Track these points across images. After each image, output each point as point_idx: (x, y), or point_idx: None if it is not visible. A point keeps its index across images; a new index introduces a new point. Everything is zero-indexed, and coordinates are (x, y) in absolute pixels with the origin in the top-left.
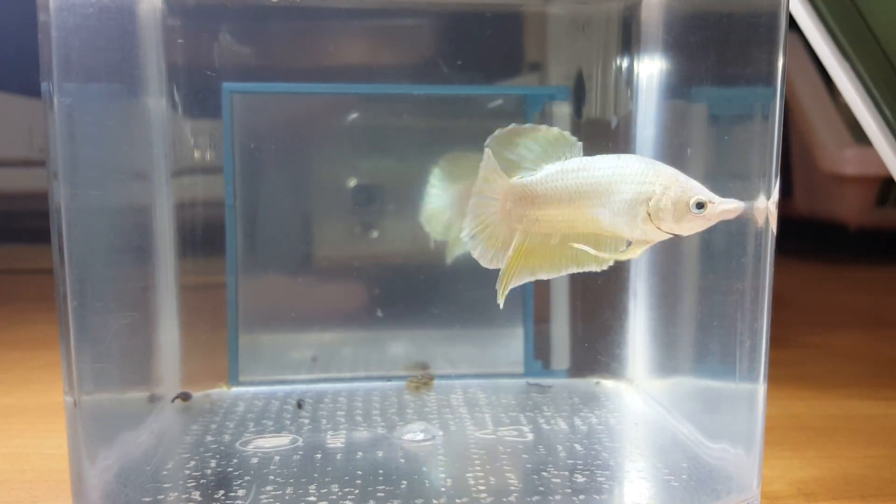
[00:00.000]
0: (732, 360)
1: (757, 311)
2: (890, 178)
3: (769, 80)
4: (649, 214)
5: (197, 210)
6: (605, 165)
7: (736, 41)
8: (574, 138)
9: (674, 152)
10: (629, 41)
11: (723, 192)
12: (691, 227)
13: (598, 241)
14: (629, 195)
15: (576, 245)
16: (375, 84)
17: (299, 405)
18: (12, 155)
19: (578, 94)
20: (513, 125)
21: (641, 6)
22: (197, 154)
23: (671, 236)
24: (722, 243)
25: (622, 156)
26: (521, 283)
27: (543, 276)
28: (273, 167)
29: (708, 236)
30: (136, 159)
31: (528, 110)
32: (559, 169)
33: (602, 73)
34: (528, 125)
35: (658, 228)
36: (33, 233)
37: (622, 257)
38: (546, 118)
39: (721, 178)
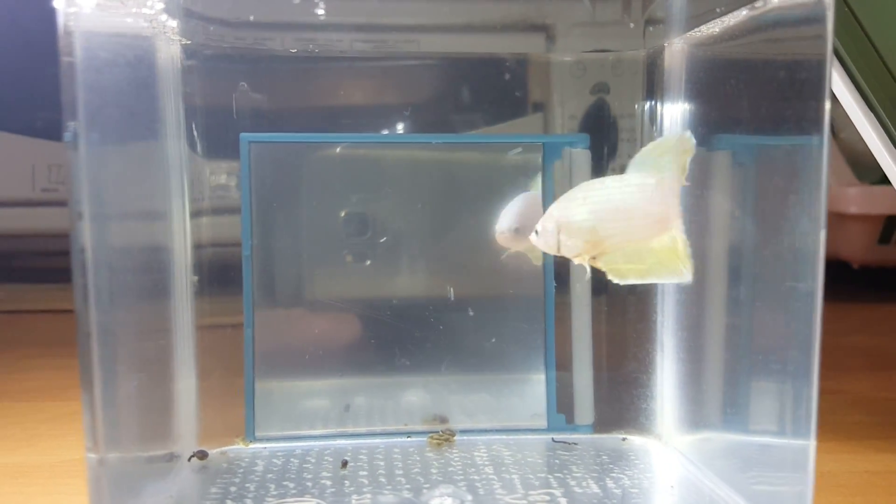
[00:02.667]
0: (777, 415)
1: (805, 359)
2: (893, 217)
3: (813, 128)
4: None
5: (215, 251)
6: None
7: (773, 88)
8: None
9: (700, 202)
10: (653, 88)
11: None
12: None
13: None
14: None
15: None
16: (392, 134)
17: (344, 465)
18: (14, 195)
19: (601, 142)
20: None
21: (664, 54)
22: (214, 196)
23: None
24: (762, 291)
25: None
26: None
27: None
28: (291, 215)
29: (742, 286)
30: (156, 200)
31: (547, 159)
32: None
33: (626, 120)
34: None
35: None
36: (35, 273)
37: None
38: (565, 166)
39: (760, 226)
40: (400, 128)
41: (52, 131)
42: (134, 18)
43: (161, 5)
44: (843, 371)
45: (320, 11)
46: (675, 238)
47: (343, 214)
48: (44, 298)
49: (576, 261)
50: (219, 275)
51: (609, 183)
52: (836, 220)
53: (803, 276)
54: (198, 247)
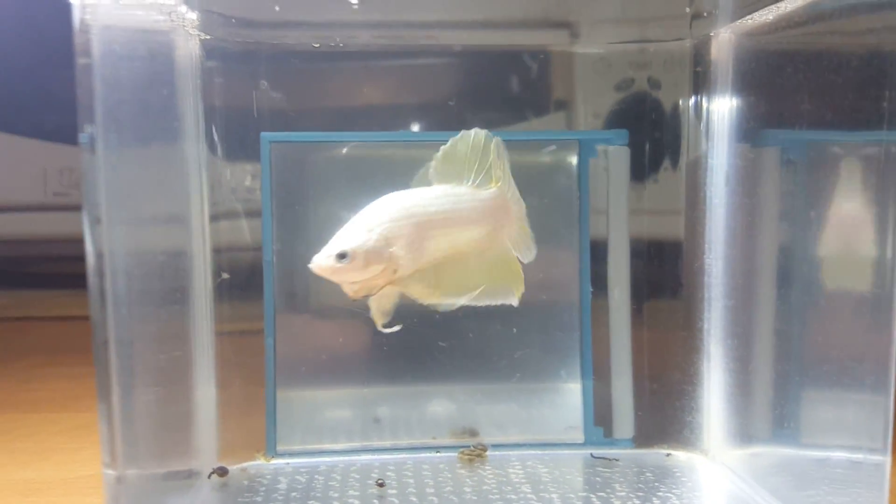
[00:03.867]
0: (845, 429)
1: (881, 369)
2: None
3: (876, 123)
4: None
5: (234, 255)
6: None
7: (838, 81)
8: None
9: (749, 200)
10: (698, 80)
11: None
12: None
13: None
14: None
15: None
16: (416, 132)
17: (381, 485)
18: (26, 199)
19: (642, 139)
20: None
21: (711, 45)
22: (234, 198)
23: None
24: (819, 296)
25: None
26: None
27: None
28: (313, 217)
29: (797, 291)
30: (175, 203)
31: (584, 155)
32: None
33: (670, 116)
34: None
35: None
36: (46, 278)
37: None
38: (602, 163)
39: (815, 228)
40: (422, 126)
41: (64, 135)
42: (150, 11)
43: None
44: None
45: (344, 5)
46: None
47: None
48: (55, 304)
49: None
50: (239, 280)
51: (429, 194)
52: None
53: (875, 283)
54: (217, 251)
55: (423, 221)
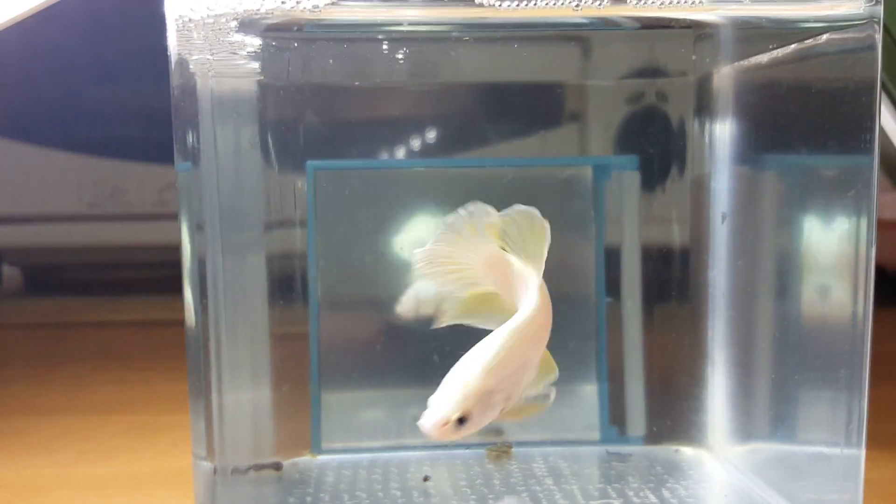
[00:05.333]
0: (827, 426)
1: (855, 372)
2: None
3: (865, 149)
4: None
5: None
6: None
7: (821, 110)
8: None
9: (750, 222)
10: (702, 112)
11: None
12: None
13: None
14: None
15: None
16: (447, 160)
17: (425, 479)
18: (62, 210)
19: (650, 165)
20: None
21: (713, 78)
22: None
23: None
24: (811, 307)
25: None
26: None
27: None
28: (355, 237)
29: (792, 302)
30: (248, 214)
31: (598, 180)
32: None
33: (676, 142)
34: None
35: None
36: (83, 286)
37: None
38: (615, 188)
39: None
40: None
41: (98, 148)
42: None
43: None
44: (882, 378)
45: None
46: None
47: (403, 235)
48: (92, 311)
49: None
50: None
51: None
52: None
53: (852, 294)
54: (270, 259)
55: (516, 357)
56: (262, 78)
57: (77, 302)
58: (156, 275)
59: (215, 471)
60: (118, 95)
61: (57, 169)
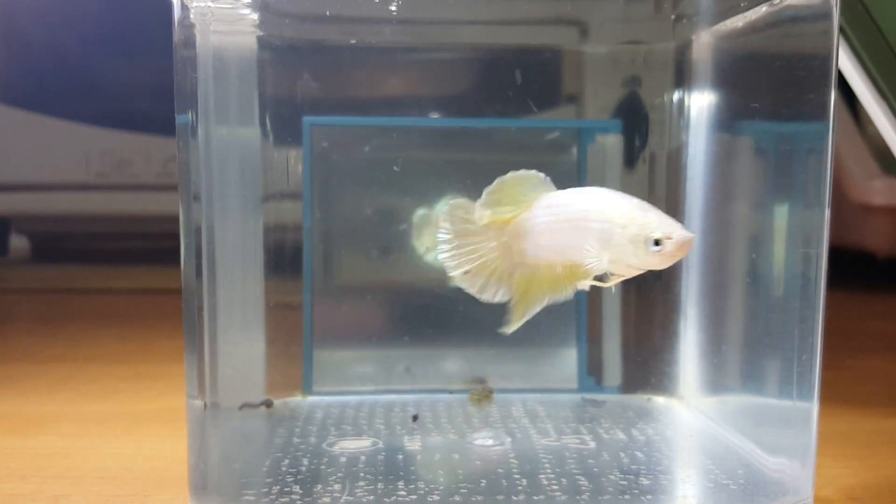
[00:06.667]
0: (788, 380)
1: (810, 331)
2: None
3: (820, 115)
4: (614, 254)
5: (283, 234)
6: (581, 201)
7: (786, 78)
8: (543, 175)
9: (724, 183)
10: (681, 78)
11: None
12: (654, 262)
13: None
14: (594, 233)
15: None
16: (440, 119)
17: (414, 419)
18: (70, 179)
19: (632, 128)
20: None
21: (692, 46)
22: (283, 181)
23: (641, 271)
24: (774, 266)
25: (595, 190)
26: (533, 310)
27: (549, 301)
28: (349, 195)
29: (759, 261)
30: (243, 185)
31: (583, 142)
32: (546, 204)
33: (656, 108)
34: (510, 174)
35: (625, 264)
36: (87, 254)
37: (600, 285)
38: (599, 149)
39: (770, 205)
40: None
41: (107, 119)
42: (235, 11)
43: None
44: (861, 351)
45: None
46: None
47: (398, 196)
48: (97, 278)
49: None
50: (288, 258)
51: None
52: (861, 211)
53: (806, 256)
54: (267, 230)
55: None
56: (260, 32)
57: (83, 269)
58: (161, 244)
59: (206, 406)
60: (127, 68)
61: (65, 139)
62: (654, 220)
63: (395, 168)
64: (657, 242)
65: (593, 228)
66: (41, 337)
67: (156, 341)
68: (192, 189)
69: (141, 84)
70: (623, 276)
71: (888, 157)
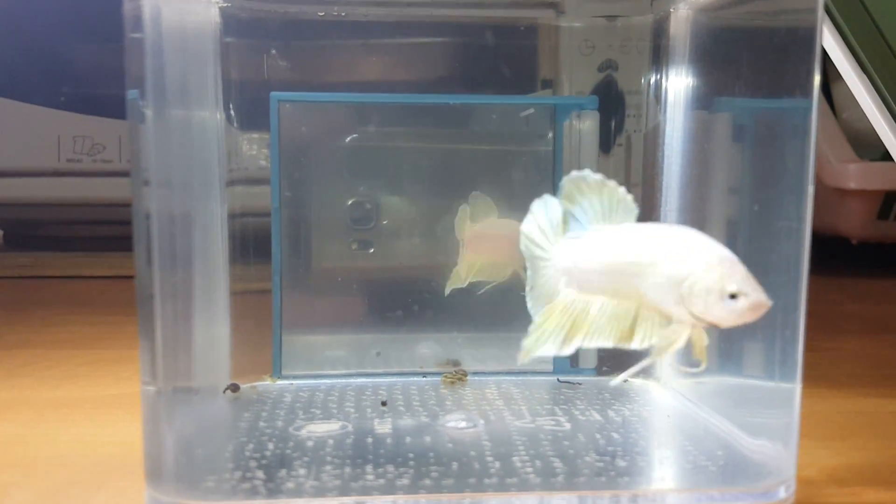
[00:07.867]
0: (769, 362)
1: (793, 309)
2: (892, 193)
3: (804, 92)
4: (682, 297)
5: (248, 219)
6: (652, 236)
7: (768, 54)
8: (633, 203)
9: (701, 162)
10: (658, 53)
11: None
12: (720, 316)
13: (639, 317)
14: (664, 274)
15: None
16: (412, 94)
17: (383, 404)
18: (40, 165)
19: (608, 105)
20: (581, 173)
21: (670, 20)
22: (249, 165)
23: (706, 325)
24: (755, 246)
25: (674, 227)
26: (555, 350)
27: (577, 343)
28: (317, 174)
29: (738, 238)
30: (201, 168)
31: (558, 119)
32: (609, 232)
33: (632, 84)
34: (597, 177)
35: (691, 314)
36: (59, 241)
37: (652, 354)
38: (574, 127)
39: (749, 188)
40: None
41: (77, 104)
42: None
43: None
44: (839, 333)
45: None
46: None
47: (368, 176)
48: (68, 265)
49: None
50: (253, 243)
51: None
52: (836, 195)
53: (791, 233)
54: (232, 216)
55: None
56: (224, 4)
57: (54, 256)
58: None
59: (159, 392)
60: (98, 51)
61: (36, 124)
62: (739, 270)
63: (351, 138)
64: (732, 296)
65: (663, 270)
66: (3, 323)
67: (123, 326)
68: (143, 174)
69: (112, 68)
70: (682, 322)
71: (863, 142)
